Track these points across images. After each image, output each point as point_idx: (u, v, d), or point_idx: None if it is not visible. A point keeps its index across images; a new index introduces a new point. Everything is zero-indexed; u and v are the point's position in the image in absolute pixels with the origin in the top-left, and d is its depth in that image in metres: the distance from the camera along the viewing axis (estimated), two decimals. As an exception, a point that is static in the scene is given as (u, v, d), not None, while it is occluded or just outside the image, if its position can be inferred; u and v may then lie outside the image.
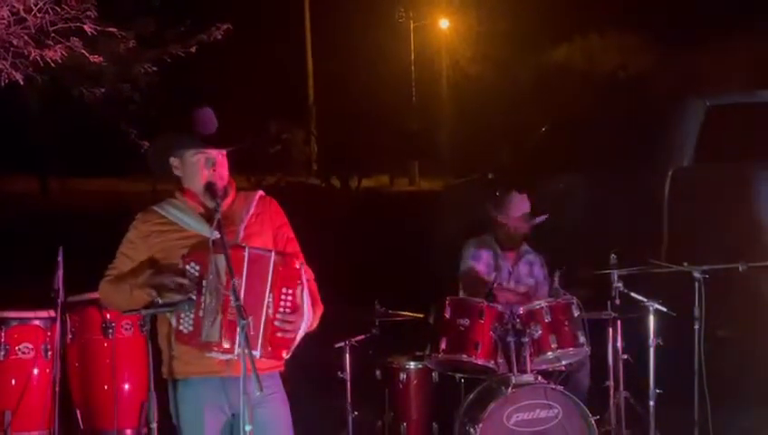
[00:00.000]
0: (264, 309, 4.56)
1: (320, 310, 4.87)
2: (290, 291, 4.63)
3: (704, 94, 9.67)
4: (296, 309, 4.65)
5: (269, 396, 4.73)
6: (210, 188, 4.71)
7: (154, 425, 4.66)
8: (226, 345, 4.42)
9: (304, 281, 4.71)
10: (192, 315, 4.51)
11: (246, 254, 4.55)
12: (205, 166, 4.78)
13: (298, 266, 4.68)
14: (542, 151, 12.00)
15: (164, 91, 8.11)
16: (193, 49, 7.83)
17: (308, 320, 4.72)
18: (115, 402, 6.28)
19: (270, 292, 4.57)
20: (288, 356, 4.69)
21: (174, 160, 4.83)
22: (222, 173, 4.84)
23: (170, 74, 8.30)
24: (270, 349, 4.59)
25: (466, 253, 7.76)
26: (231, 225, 4.77)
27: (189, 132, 4.81)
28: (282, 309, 4.60)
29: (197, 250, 4.58)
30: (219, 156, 4.83)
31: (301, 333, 4.70)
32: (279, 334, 4.60)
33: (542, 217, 7.74)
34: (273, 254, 4.63)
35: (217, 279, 4.41)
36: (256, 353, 4.51)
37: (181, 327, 4.55)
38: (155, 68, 7.92)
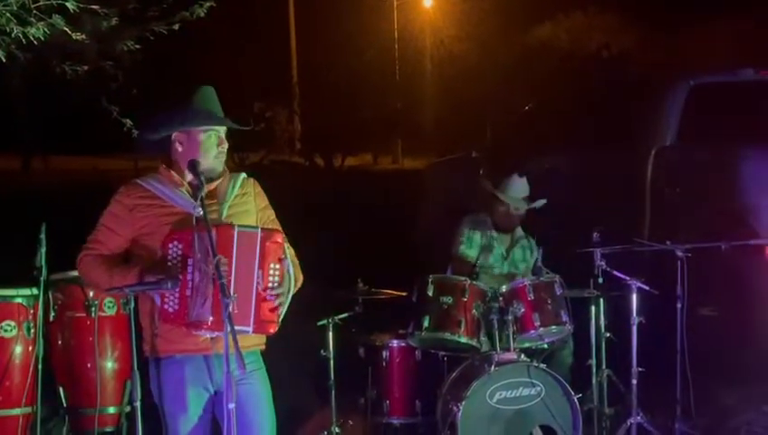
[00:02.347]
0: (255, 285, 4.57)
1: (300, 276, 4.89)
2: (277, 266, 4.66)
3: (687, 73, 9.68)
4: (283, 282, 4.68)
5: (250, 373, 4.76)
6: (193, 165, 4.70)
7: (137, 403, 4.64)
8: (216, 325, 4.42)
9: (288, 254, 4.74)
10: (177, 293, 4.50)
11: (236, 232, 4.56)
12: (215, 143, 4.83)
13: (280, 241, 4.70)
14: (525, 130, 12.00)
15: (147, 70, 8.05)
16: (176, 26, 7.78)
17: (292, 289, 4.77)
18: (98, 380, 6.27)
19: (259, 268, 4.59)
20: (275, 330, 4.70)
21: (179, 136, 4.83)
22: (225, 149, 4.88)
23: (154, 53, 8.27)
24: (260, 325, 4.61)
25: (461, 234, 7.74)
26: (215, 204, 4.79)
27: (204, 109, 4.86)
28: (271, 284, 4.62)
29: (181, 228, 4.58)
30: (223, 132, 4.88)
31: (287, 305, 4.73)
32: (270, 309, 4.62)
33: (542, 202, 7.73)
34: (259, 230, 4.65)
35: (206, 257, 4.40)
36: (248, 330, 4.54)
37: (166, 306, 4.55)
38: (138, 46, 7.87)
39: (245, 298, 4.55)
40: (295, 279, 4.83)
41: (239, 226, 4.63)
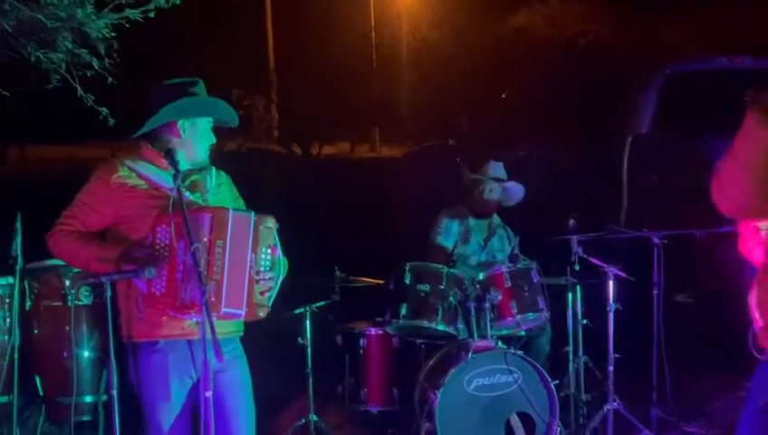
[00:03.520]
0: (248, 269, 4.57)
1: (286, 261, 4.90)
2: (269, 251, 4.66)
3: (663, 62, 9.71)
4: (274, 267, 4.68)
5: (232, 361, 4.76)
6: (170, 154, 4.69)
7: (114, 392, 4.63)
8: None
9: (277, 238, 4.74)
10: (165, 277, 4.48)
11: (231, 216, 4.55)
12: (210, 136, 4.94)
13: (272, 225, 4.70)
14: (502, 118, 12.03)
15: (123, 58, 8.01)
16: (152, 14, 7.74)
17: (282, 276, 4.77)
18: (74, 369, 6.25)
19: (252, 252, 4.59)
20: (266, 315, 4.69)
21: (184, 123, 4.83)
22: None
23: (129, 41, 8.22)
24: (252, 308, 4.60)
25: (439, 225, 7.76)
26: (198, 192, 4.80)
27: (211, 101, 4.97)
28: (263, 268, 4.62)
29: (171, 212, 4.54)
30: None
31: (276, 290, 4.73)
32: (262, 293, 4.61)
33: (520, 187, 7.76)
34: (252, 214, 4.64)
35: (190, 240, 4.37)
36: (241, 313, 4.53)
37: (153, 290, 4.52)
38: (113, 33, 7.82)
39: (239, 281, 4.54)
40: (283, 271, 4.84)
41: (234, 209, 4.63)
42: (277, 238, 4.75)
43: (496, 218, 7.86)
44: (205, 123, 4.88)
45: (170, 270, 4.48)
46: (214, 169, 5.02)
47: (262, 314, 4.67)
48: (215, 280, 4.39)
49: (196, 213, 4.47)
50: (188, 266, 4.40)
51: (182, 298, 4.43)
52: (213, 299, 4.38)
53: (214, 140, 4.95)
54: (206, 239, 4.41)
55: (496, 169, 7.77)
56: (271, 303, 4.71)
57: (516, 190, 7.78)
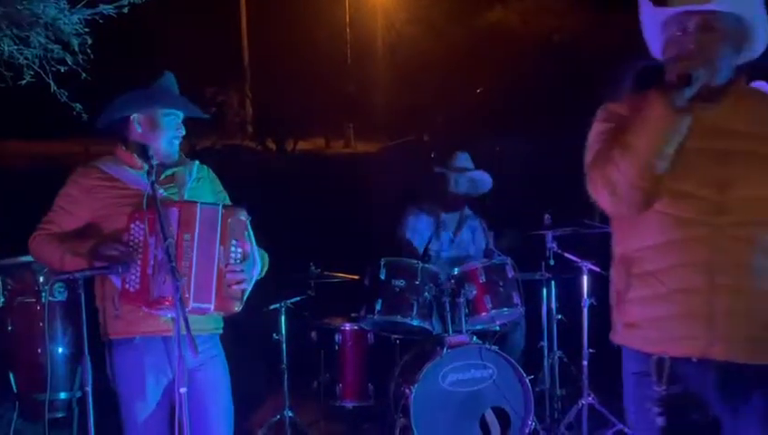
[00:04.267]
0: (216, 263, 4.56)
1: (266, 257, 4.89)
2: (239, 243, 4.64)
3: (637, 57, 9.74)
4: (246, 259, 4.66)
5: (210, 359, 4.75)
6: (142, 149, 4.68)
7: (88, 388, 4.61)
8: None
9: (251, 231, 4.72)
10: (138, 273, 4.48)
11: (199, 209, 4.54)
12: (174, 127, 4.83)
13: (244, 218, 4.68)
14: (477, 113, 12.04)
15: (96, 54, 7.97)
16: (125, 10, 7.71)
17: (257, 270, 4.76)
18: (49, 366, 6.23)
19: (220, 244, 4.58)
20: (240, 308, 4.68)
21: (138, 117, 4.81)
22: (181, 134, 4.89)
23: (103, 37, 8.18)
24: (223, 302, 4.58)
25: (405, 221, 7.75)
26: (174, 187, 4.80)
27: (161, 91, 4.88)
28: (233, 261, 4.60)
29: (142, 208, 4.54)
30: (181, 116, 4.92)
31: (251, 285, 4.72)
32: (233, 287, 4.60)
33: (487, 177, 7.76)
34: (221, 207, 4.63)
35: (163, 235, 4.37)
36: (210, 306, 4.52)
37: (127, 286, 4.51)
38: (87, 29, 7.79)
39: (207, 275, 4.53)
40: (259, 265, 4.82)
41: (202, 203, 4.62)
42: (250, 231, 4.74)
43: (467, 210, 7.86)
44: (161, 116, 4.83)
45: (143, 266, 4.48)
46: (197, 163, 5.01)
47: (236, 307, 4.66)
48: (183, 275, 4.38)
49: (165, 208, 4.46)
50: (159, 262, 4.41)
51: (153, 294, 4.43)
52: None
53: (177, 133, 4.89)
54: (173, 234, 4.40)
55: (461, 159, 7.77)
56: (245, 296, 4.70)
57: (483, 179, 7.78)
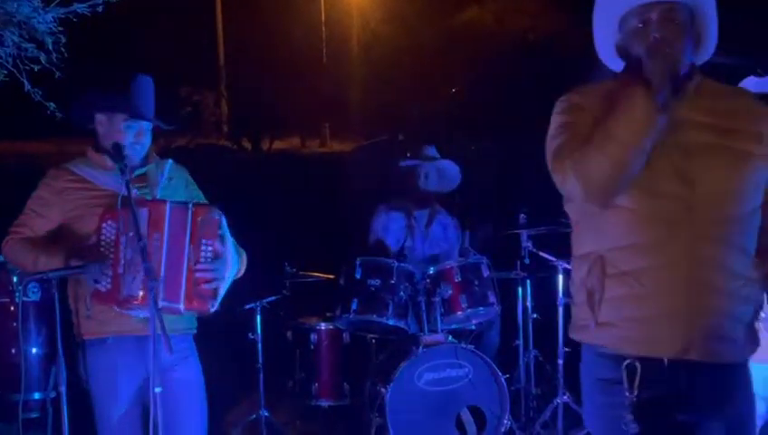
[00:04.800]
0: (185, 261, 4.55)
1: (245, 257, 4.89)
2: (210, 241, 4.63)
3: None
4: (218, 257, 4.64)
5: (183, 359, 4.74)
6: (117, 148, 4.67)
7: (63, 389, 4.60)
8: (146, 301, 4.38)
9: (226, 229, 4.71)
10: (110, 273, 4.47)
11: (168, 208, 4.53)
12: (133, 134, 4.79)
13: (217, 217, 4.67)
14: (452, 113, 12.05)
15: (71, 53, 7.93)
16: (100, 9, 7.67)
17: (235, 268, 4.74)
18: (23, 366, 6.20)
19: (190, 243, 4.57)
20: (215, 308, 4.67)
21: (101, 117, 4.81)
22: (145, 142, 4.85)
23: (78, 36, 8.14)
24: (194, 302, 4.57)
25: (377, 221, 7.74)
26: (146, 187, 4.78)
27: (127, 98, 4.82)
28: (203, 259, 4.59)
29: (114, 208, 4.54)
30: (146, 127, 4.85)
31: (227, 283, 4.70)
32: (204, 285, 4.59)
33: (453, 166, 7.76)
34: (191, 205, 4.62)
35: (137, 235, 4.37)
36: (180, 306, 4.51)
37: (99, 286, 4.51)
38: (61, 28, 7.75)
39: (176, 274, 4.53)
40: (237, 265, 4.81)
41: (172, 202, 4.60)
42: (225, 229, 4.73)
43: (437, 206, 7.85)
44: (121, 121, 4.79)
45: (114, 266, 4.47)
46: (170, 162, 5.00)
47: (210, 307, 4.65)
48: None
49: (136, 208, 4.44)
50: (129, 261, 4.41)
51: (123, 293, 4.42)
52: (145, 293, 4.38)
53: (137, 140, 4.83)
54: (143, 233, 4.38)
55: (428, 150, 7.78)
56: (220, 296, 4.69)
57: (451, 169, 7.76)
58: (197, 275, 4.58)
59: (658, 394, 3.41)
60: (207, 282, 4.61)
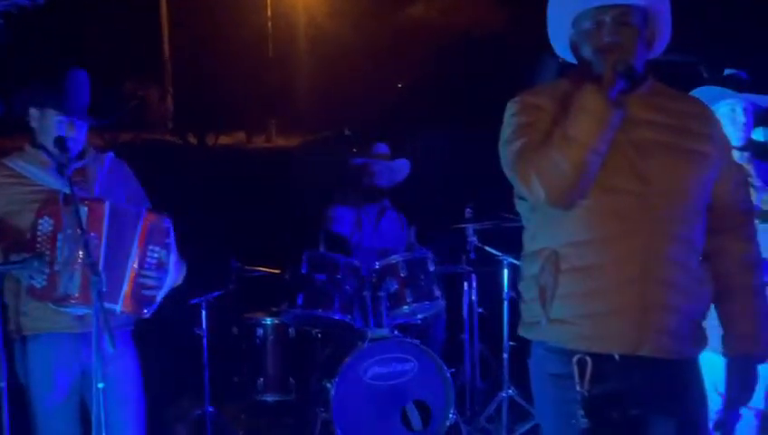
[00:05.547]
0: (129, 264, 4.55)
1: (184, 267, 4.88)
2: (157, 248, 4.63)
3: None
4: (161, 267, 4.64)
5: (119, 354, 4.71)
6: (60, 142, 4.64)
7: (3, 384, 4.56)
8: (84, 299, 4.37)
9: (172, 240, 4.71)
10: (47, 270, 4.44)
11: (107, 208, 4.52)
12: (63, 128, 4.74)
13: (166, 225, 4.67)
14: (398, 108, 12.08)
15: (14, 48, 7.88)
16: (41, 2, 7.63)
17: (173, 278, 4.74)
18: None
19: (137, 247, 4.56)
20: (149, 314, 4.67)
21: (35, 112, 4.79)
22: (79, 138, 4.81)
23: (20, 30, 8.09)
24: (131, 305, 4.57)
25: (328, 213, 7.74)
26: (85, 182, 4.74)
27: (58, 94, 4.78)
28: (147, 266, 4.59)
29: (52, 204, 4.51)
30: (80, 122, 4.80)
31: (164, 292, 4.70)
32: (143, 291, 4.58)
33: (404, 161, 7.76)
34: (143, 210, 4.63)
35: (74, 233, 4.34)
36: (116, 307, 4.50)
37: (34, 283, 4.48)
38: (1, 21, 7.70)
39: (116, 276, 4.53)
40: (175, 275, 4.81)
41: (113, 203, 4.59)
42: (172, 239, 4.72)
43: (386, 202, 7.86)
44: (52, 116, 4.77)
45: (51, 263, 4.44)
46: (110, 155, 4.97)
47: (144, 312, 4.65)
48: (84, 271, 4.35)
49: (74, 204, 4.41)
50: (66, 258, 4.39)
51: (59, 291, 4.40)
52: (81, 292, 4.37)
53: (70, 136, 4.77)
54: (79, 231, 4.35)
55: (380, 147, 7.78)
56: (156, 303, 4.69)
57: (401, 166, 7.79)
58: (141, 279, 4.58)
59: (609, 390, 3.43)
60: (149, 288, 4.61)
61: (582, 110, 3.29)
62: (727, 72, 5.39)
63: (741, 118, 5.20)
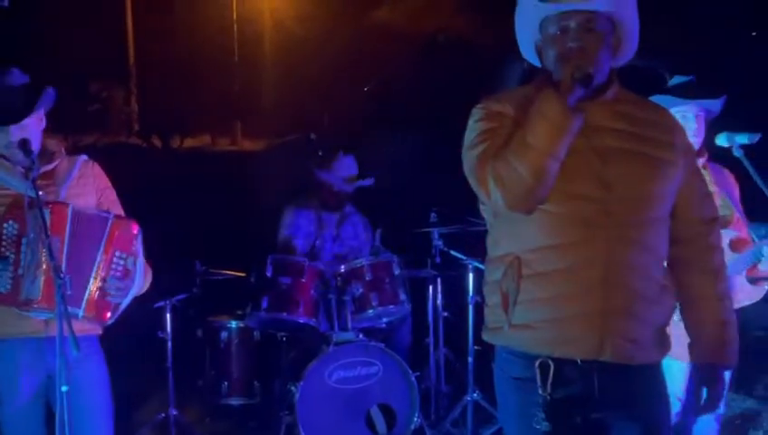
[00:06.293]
0: (94, 270, 4.53)
1: (150, 274, 4.85)
2: (124, 255, 4.60)
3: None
4: (127, 274, 4.62)
5: (86, 358, 4.67)
6: (24, 145, 4.59)
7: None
8: (46, 303, 4.34)
9: (140, 247, 4.68)
10: (10, 275, 4.41)
11: (69, 212, 4.49)
12: (7, 133, 4.64)
13: (136, 232, 4.64)
14: (364, 112, 12.08)
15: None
16: (5, 3, 7.58)
17: (138, 286, 4.71)
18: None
19: (103, 253, 4.54)
20: (112, 320, 4.64)
21: None
22: (33, 137, 4.69)
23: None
24: (94, 310, 4.54)
25: (286, 220, 7.73)
26: (53, 185, 4.71)
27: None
28: (113, 272, 4.56)
29: (17, 207, 4.48)
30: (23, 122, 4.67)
31: (129, 299, 4.67)
32: (107, 298, 4.56)
33: (370, 181, 7.77)
34: (111, 216, 4.59)
35: (38, 236, 4.32)
36: (78, 312, 4.47)
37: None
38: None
39: (79, 281, 4.49)
40: (141, 283, 4.77)
41: (75, 207, 4.56)
42: (140, 246, 4.70)
43: (349, 205, 7.86)
44: None
45: (15, 266, 4.42)
46: (82, 159, 4.92)
47: (108, 318, 4.62)
48: (50, 277, 4.32)
49: (38, 208, 4.37)
50: (29, 263, 4.36)
51: (22, 295, 4.38)
52: (44, 296, 4.34)
53: (7, 141, 4.65)
54: (43, 235, 4.32)
55: (345, 165, 7.75)
56: (120, 310, 4.66)
57: (366, 182, 7.79)
58: (105, 285, 4.56)
59: (571, 394, 3.45)
60: (113, 294, 4.59)
61: (540, 116, 3.30)
62: (676, 79, 5.44)
63: (692, 124, 5.25)
